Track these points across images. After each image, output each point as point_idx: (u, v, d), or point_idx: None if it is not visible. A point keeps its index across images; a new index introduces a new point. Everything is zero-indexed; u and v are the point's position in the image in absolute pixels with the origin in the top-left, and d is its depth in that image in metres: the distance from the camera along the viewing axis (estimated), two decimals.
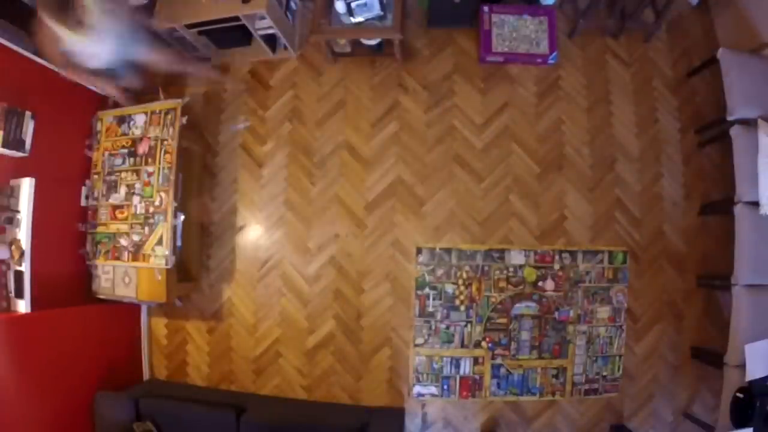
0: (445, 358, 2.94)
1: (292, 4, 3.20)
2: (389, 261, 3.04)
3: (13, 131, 2.32)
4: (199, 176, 3.19)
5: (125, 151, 2.94)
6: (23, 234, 2.38)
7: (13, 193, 2.40)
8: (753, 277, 2.52)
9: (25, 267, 2.36)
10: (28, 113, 2.39)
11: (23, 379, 2.27)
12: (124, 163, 2.94)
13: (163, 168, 2.85)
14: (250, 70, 3.34)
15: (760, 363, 2.37)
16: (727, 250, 2.66)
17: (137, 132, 2.94)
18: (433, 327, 2.95)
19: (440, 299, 2.96)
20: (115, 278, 2.83)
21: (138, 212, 2.86)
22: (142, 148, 2.87)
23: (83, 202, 2.89)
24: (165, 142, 2.86)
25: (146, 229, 2.83)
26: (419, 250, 3.00)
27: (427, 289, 2.97)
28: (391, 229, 3.06)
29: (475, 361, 2.93)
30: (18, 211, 2.38)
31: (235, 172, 3.24)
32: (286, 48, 3.24)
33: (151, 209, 2.84)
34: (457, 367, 2.94)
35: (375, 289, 3.03)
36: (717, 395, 2.62)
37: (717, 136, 2.91)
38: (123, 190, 2.92)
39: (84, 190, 2.90)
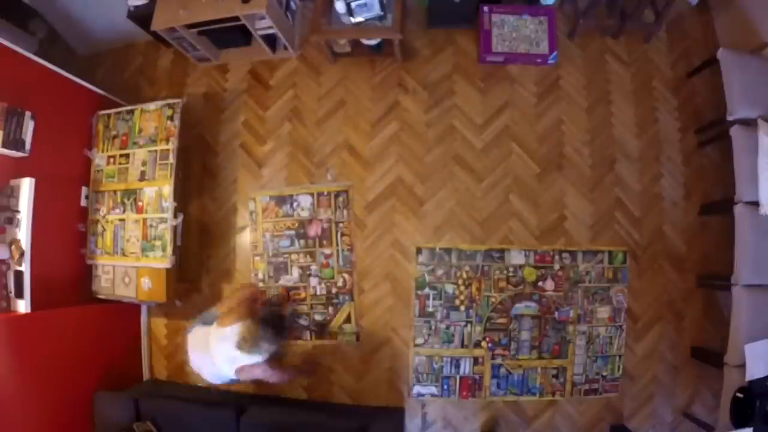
0: (445, 358, 2.94)
1: (292, 4, 3.20)
2: (389, 261, 3.03)
3: (13, 131, 2.32)
4: (199, 176, 3.19)
5: (292, 233, 3.03)
6: (23, 234, 2.38)
7: (13, 193, 2.40)
8: (753, 277, 2.52)
9: (25, 267, 2.37)
10: (28, 113, 2.39)
11: (23, 379, 2.27)
12: (292, 245, 3.03)
13: (342, 250, 2.96)
14: (250, 70, 3.34)
15: (760, 363, 2.37)
16: (727, 250, 2.66)
17: (304, 214, 3.03)
18: (433, 327, 2.95)
19: (440, 299, 2.96)
20: (115, 278, 2.83)
21: (318, 293, 2.98)
22: (314, 231, 2.97)
23: (83, 203, 2.89)
24: (340, 225, 2.98)
25: (330, 309, 2.97)
26: (419, 250, 3.00)
27: (427, 289, 2.97)
28: (391, 229, 3.06)
29: (475, 361, 2.93)
30: (18, 211, 2.39)
31: (235, 172, 3.24)
32: (286, 48, 3.24)
33: (334, 290, 2.98)
34: (457, 367, 2.94)
35: (375, 289, 3.03)
36: (717, 395, 2.61)
37: (717, 136, 2.91)
38: (296, 272, 3.02)
39: (84, 191, 2.90)
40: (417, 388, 2.95)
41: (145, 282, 2.76)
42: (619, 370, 2.92)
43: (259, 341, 2.13)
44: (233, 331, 2.16)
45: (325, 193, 3.08)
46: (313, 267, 3.04)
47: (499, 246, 2.99)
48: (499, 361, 2.92)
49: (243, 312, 2.21)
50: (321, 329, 3.01)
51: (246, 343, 2.11)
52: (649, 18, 3.10)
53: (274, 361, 2.25)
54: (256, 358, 2.17)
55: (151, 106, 2.88)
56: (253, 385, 2.86)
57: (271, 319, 2.25)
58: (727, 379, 2.50)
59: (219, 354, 2.22)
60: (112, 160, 2.89)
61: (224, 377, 2.34)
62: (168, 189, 2.74)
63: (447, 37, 3.23)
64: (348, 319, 3.00)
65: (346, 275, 3.01)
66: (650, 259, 2.99)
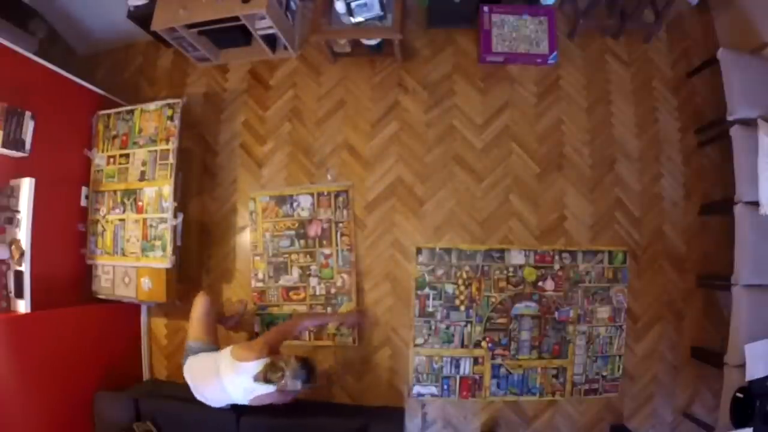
0: (445, 358, 2.94)
1: (292, 4, 3.20)
2: (389, 261, 3.03)
3: (13, 131, 2.32)
4: (199, 176, 3.19)
5: (292, 233, 3.04)
6: (23, 234, 2.38)
7: (13, 193, 2.40)
8: (753, 277, 2.52)
9: (25, 267, 2.37)
10: (28, 113, 2.39)
11: (23, 379, 2.27)
12: (292, 245, 3.03)
13: (342, 250, 2.96)
14: (250, 70, 3.34)
15: (760, 363, 2.37)
16: (727, 250, 2.66)
17: (304, 214, 3.02)
18: (433, 327, 2.95)
19: (440, 299, 2.95)
20: (115, 278, 2.83)
21: (317, 293, 2.98)
22: (314, 231, 2.98)
23: (83, 203, 2.89)
24: (340, 225, 2.97)
25: (329, 309, 2.98)
26: (419, 250, 3.00)
27: (427, 289, 2.97)
28: (391, 229, 3.06)
29: (475, 361, 2.93)
30: (18, 211, 2.39)
31: (235, 172, 3.24)
32: (286, 48, 3.24)
33: (333, 290, 2.98)
34: (457, 367, 2.94)
35: (375, 289, 3.03)
36: (717, 395, 2.61)
37: (717, 136, 2.91)
38: (296, 272, 3.02)
39: (84, 191, 2.90)
40: (417, 388, 2.95)
41: (145, 282, 2.76)
42: (619, 370, 2.92)
43: (291, 379, 2.20)
44: (254, 366, 2.22)
45: (325, 193, 3.08)
46: (313, 267, 3.03)
47: (499, 246, 2.99)
48: (499, 361, 2.92)
49: (266, 350, 2.28)
50: (319, 330, 3.01)
51: (276, 377, 2.18)
52: (649, 18, 3.10)
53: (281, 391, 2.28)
54: (270, 388, 2.22)
55: (151, 106, 2.88)
56: None
57: (307, 363, 2.30)
58: (727, 379, 2.50)
59: (232, 384, 2.25)
60: (112, 160, 2.89)
61: (229, 402, 2.35)
62: (168, 189, 2.74)
63: (447, 37, 3.23)
64: None
65: (345, 276, 3.01)
66: (650, 259, 2.99)
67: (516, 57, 3.11)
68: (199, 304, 2.54)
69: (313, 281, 3.03)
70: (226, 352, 2.32)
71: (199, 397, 2.38)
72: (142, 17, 3.07)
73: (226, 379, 2.25)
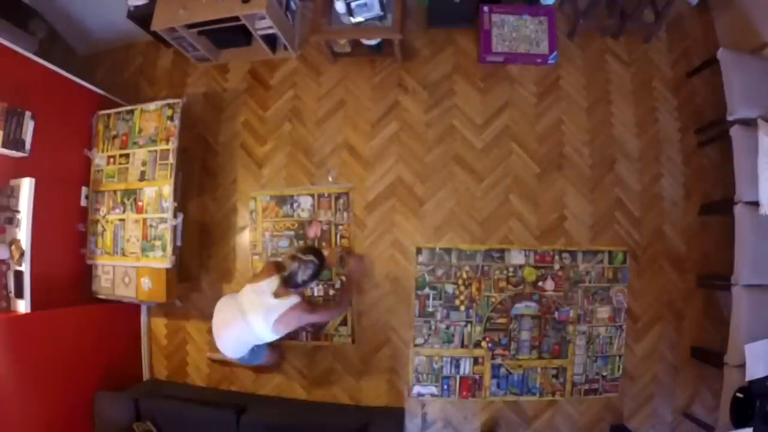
0: (445, 358, 2.94)
1: (292, 4, 3.20)
2: (389, 261, 3.03)
3: (13, 131, 2.32)
4: (199, 176, 3.20)
5: (291, 233, 3.03)
6: (23, 234, 2.38)
7: (13, 193, 2.40)
8: (753, 277, 2.52)
9: (25, 267, 2.37)
10: (28, 113, 2.39)
11: (23, 379, 2.27)
12: (291, 245, 3.02)
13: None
14: (250, 70, 3.34)
15: (760, 363, 2.37)
16: (727, 250, 2.66)
17: (304, 215, 3.02)
18: (433, 327, 2.95)
19: (440, 299, 2.95)
20: (115, 278, 2.83)
21: (315, 295, 2.98)
22: (313, 232, 2.98)
23: (83, 203, 2.89)
24: (340, 227, 2.97)
25: None
26: (419, 250, 3.00)
27: (427, 289, 2.97)
28: (391, 229, 3.06)
29: (475, 361, 2.93)
30: (18, 211, 2.39)
31: (235, 172, 3.24)
32: (286, 48, 3.24)
33: (332, 292, 2.98)
34: (457, 367, 2.94)
35: (375, 289, 3.03)
36: (717, 395, 2.61)
37: (717, 136, 2.91)
38: None
39: (84, 191, 2.90)
40: (417, 388, 2.95)
41: (145, 282, 2.76)
42: (619, 370, 2.92)
43: (302, 268, 2.23)
44: (270, 281, 2.26)
45: (326, 195, 3.08)
46: None
47: (499, 246, 2.99)
48: (499, 361, 2.92)
49: (275, 268, 2.33)
50: (317, 330, 3.01)
51: (290, 269, 2.22)
52: (649, 18, 3.10)
53: (309, 302, 2.29)
54: (293, 300, 2.22)
55: (151, 106, 2.89)
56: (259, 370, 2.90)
57: (311, 249, 2.36)
58: (727, 379, 2.50)
59: (253, 308, 2.24)
60: (112, 160, 2.89)
61: (252, 340, 2.32)
62: (168, 189, 2.74)
63: (447, 37, 3.23)
64: (344, 322, 3.00)
65: (344, 278, 3.00)
66: (650, 259, 2.99)
67: (516, 57, 3.11)
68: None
69: (312, 282, 3.00)
70: (244, 288, 2.36)
71: (221, 346, 2.38)
72: (142, 17, 3.07)
73: (247, 304, 2.25)
